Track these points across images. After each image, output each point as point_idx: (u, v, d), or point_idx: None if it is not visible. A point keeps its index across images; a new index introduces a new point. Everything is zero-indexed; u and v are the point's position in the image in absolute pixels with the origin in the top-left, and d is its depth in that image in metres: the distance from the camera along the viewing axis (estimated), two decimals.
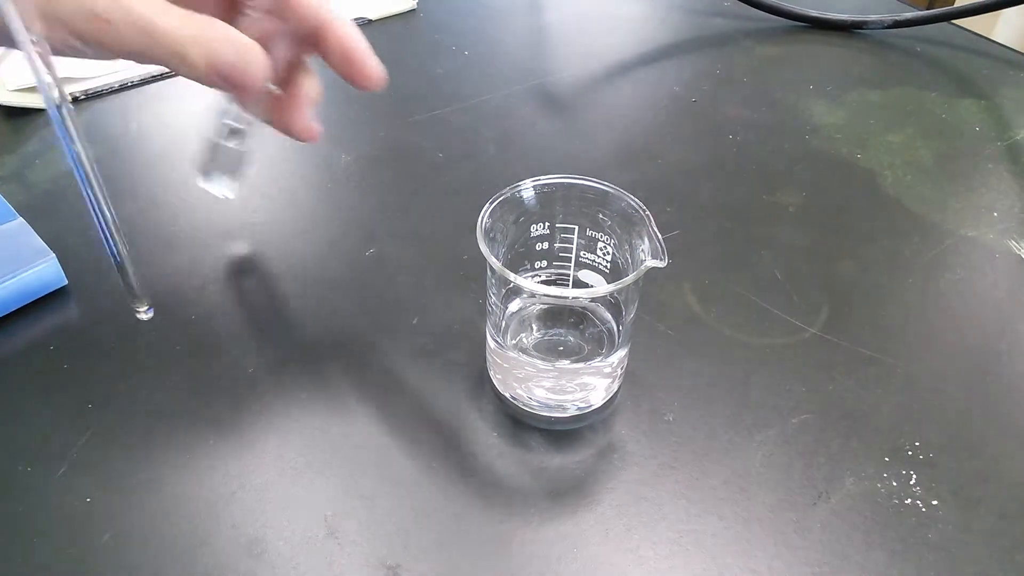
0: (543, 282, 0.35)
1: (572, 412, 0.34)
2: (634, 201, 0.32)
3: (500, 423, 0.34)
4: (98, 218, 0.28)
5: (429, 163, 0.48)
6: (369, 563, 0.29)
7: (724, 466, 0.32)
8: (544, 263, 0.35)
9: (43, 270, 0.37)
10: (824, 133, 0.52)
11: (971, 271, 0.42)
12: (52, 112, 0.25)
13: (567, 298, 0.36)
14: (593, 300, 0.36)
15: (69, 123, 0.26)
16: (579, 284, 0.35)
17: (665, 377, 0.36)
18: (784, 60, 0.60)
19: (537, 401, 0.33)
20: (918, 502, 0.31)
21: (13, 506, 0.30)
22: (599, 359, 0.34)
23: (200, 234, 0.42)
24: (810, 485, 0.32)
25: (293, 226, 0.43)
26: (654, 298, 0.39)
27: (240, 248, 0.42)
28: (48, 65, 0.25)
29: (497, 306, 0.33)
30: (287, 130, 0.36)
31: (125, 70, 0.54)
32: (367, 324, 0.38)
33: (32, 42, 0.24)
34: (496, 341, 0.34)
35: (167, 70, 0.42)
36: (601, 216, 0.33)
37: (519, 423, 0.34)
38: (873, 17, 0.63)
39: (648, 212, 0.31)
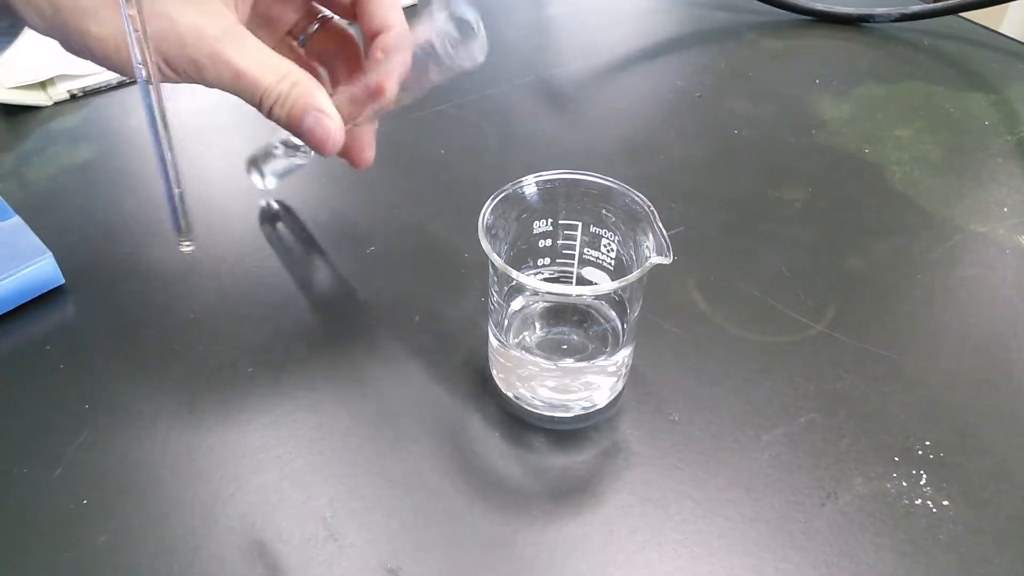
0: (546, 279, 0.35)
1: (576, 412, 0.33)
2: (638, 197, 0.32)
3: (502, 423, 0.33)
4: (161, 157, 0.29)
5: (430, 159, 0.48)
6: (370, 565, 0.28)
7: (731, 466, 0.32)
8: (547, 260, 0.34)
9: (40, 269, 0.37)
10: (830, 128, 0.51)
11: (981, 267, 0.41)
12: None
13: (571, 296, 0.35)
14: (597, 298, 0.35)
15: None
16: (583, 281, 0.34)
17: (670, 376, 0.35)
18: (789, 54, 0.60)
19: (541, 401, 0.33)
20: (928, 502, 0.31)
21: (9, 507, 0.30)
22: (603, 358, 0.33)
23: (199, 233, 0.42)
24: (818, 485, 0.31)
25: (293, 225, 0.43)
26: (659, 295, 0.38)
27: (240, 247, 0.41)
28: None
29: (499, 304, 0.33)
30: (346, 156, 0.37)
31: None
32: (367, 322, 0.38)
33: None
34: (499, 340, 0.33)
35: None
36: (605, 212, 0.33)
37: (522, 423, 0.33)
38: (880, 10, 0.62)
39: (653, 208, 0.31)
